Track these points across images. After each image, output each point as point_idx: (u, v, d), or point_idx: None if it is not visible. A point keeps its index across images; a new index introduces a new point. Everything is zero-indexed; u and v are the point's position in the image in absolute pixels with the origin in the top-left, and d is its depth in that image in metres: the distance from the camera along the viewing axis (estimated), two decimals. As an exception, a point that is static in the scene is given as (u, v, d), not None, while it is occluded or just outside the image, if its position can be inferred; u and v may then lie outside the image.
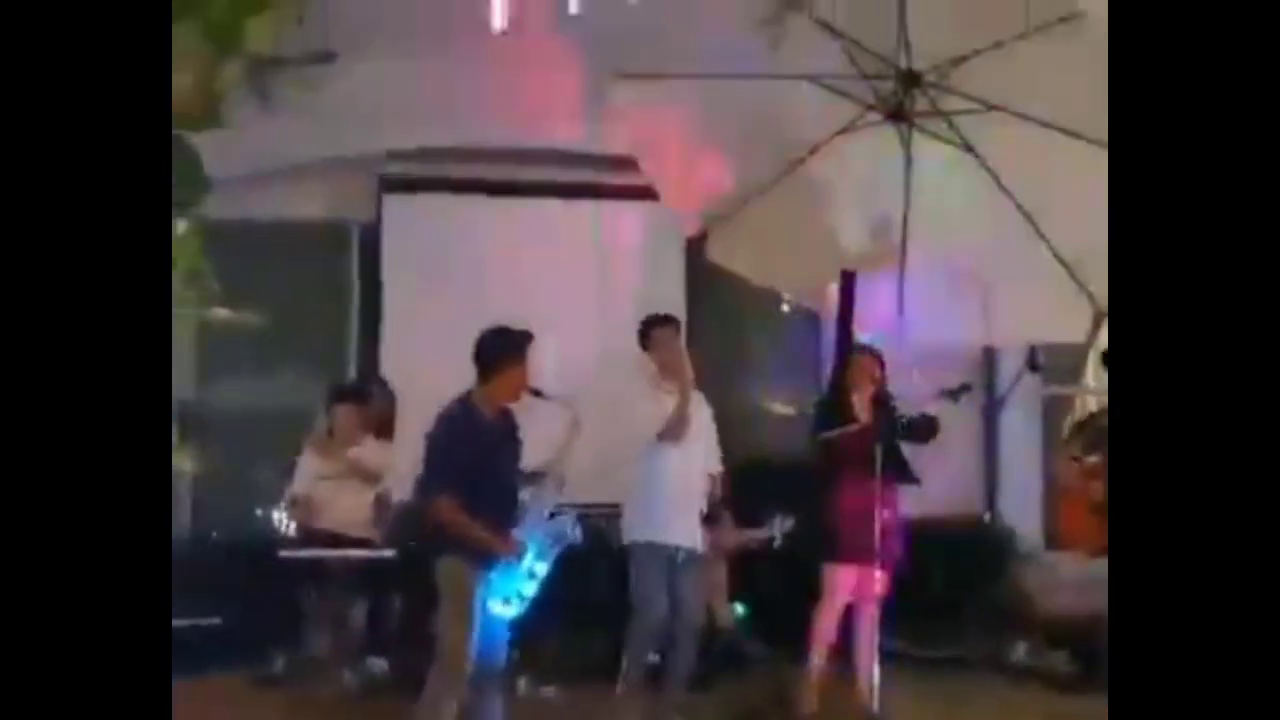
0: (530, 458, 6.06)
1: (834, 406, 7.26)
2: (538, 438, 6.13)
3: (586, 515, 8.31)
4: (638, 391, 6.83)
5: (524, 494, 5.88)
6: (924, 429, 6.90)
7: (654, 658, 6.99)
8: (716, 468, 7.03)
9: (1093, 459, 6.43)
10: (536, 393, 6.08)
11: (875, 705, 6.68)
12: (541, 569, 5.71)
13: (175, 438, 2.46)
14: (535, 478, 6.01)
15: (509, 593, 5.60)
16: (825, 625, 6.88)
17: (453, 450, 5.61)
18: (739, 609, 8.63)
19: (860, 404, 7.14)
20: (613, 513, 7.06)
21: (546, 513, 5.82)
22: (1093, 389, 10.35)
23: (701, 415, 6.88)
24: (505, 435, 5.76)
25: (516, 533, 5.68)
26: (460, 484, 5.50)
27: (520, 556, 5.62)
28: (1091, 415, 7.24)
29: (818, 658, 6.86)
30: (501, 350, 5.67)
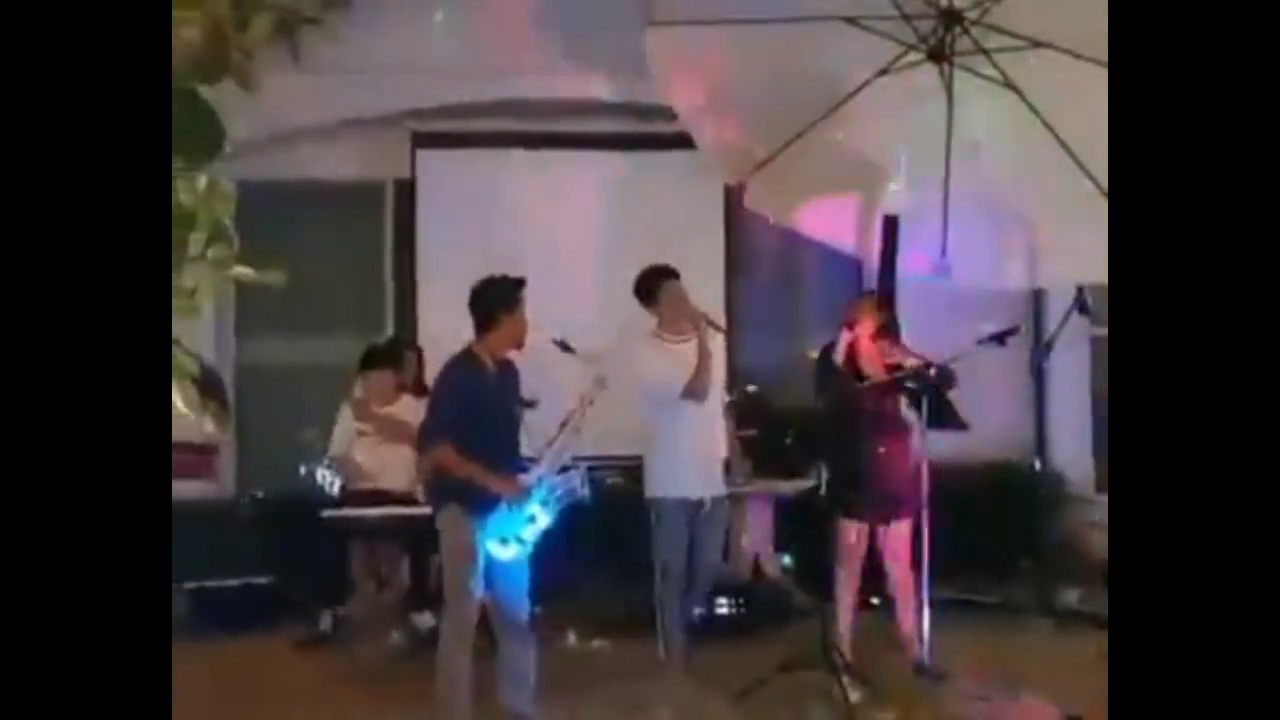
0: (558, 411, 6.02)
1: (831, 357, 6.86)
2: (572, 390, 6.06)
3: (616, 468, 8.36)
4: (643, 346, 6.68)
5: (540, 445, 5.87)
6: (942, 381, 6.71)
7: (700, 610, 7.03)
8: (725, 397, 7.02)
9: None
10: (564, 346, 6.03)
11: (926, 655, 6.62)
12: (544, 516, 5.68)
13: (199, 398, 2.41)
14: (532, 404, 6.06)
15: (507, 534, 5.58)
16: (842, 581, 6.73)
17: (453, 400, 5.67)
18: (785, 559, 8.59)
19: (865, 356, 6.82)
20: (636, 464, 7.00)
21: (559, 465, 5.80)
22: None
23: (717, 360, 6.77)
24: (506, 385, 5.75)
25: (524, 478, 5.67)
26: (461, 432, 5.52)
27: (524, 500, 5.61)
28: None
29: (845, 613, 6.74)
30: (494, 301, 5.67)
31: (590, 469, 6.07)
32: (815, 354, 7.15)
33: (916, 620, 6.66)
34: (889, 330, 6.95)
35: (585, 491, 5.89)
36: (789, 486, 8.16)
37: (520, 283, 5.73)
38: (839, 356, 6.75)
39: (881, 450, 6.66)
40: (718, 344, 6.77)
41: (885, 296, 7.26)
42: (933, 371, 6.61)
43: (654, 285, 6.66)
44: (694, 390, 6.48)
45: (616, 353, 6.44)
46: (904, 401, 6.92)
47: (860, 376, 6.75)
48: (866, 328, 6.81)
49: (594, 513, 6.45)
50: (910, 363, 6.72)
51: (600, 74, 8.98)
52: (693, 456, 6.57)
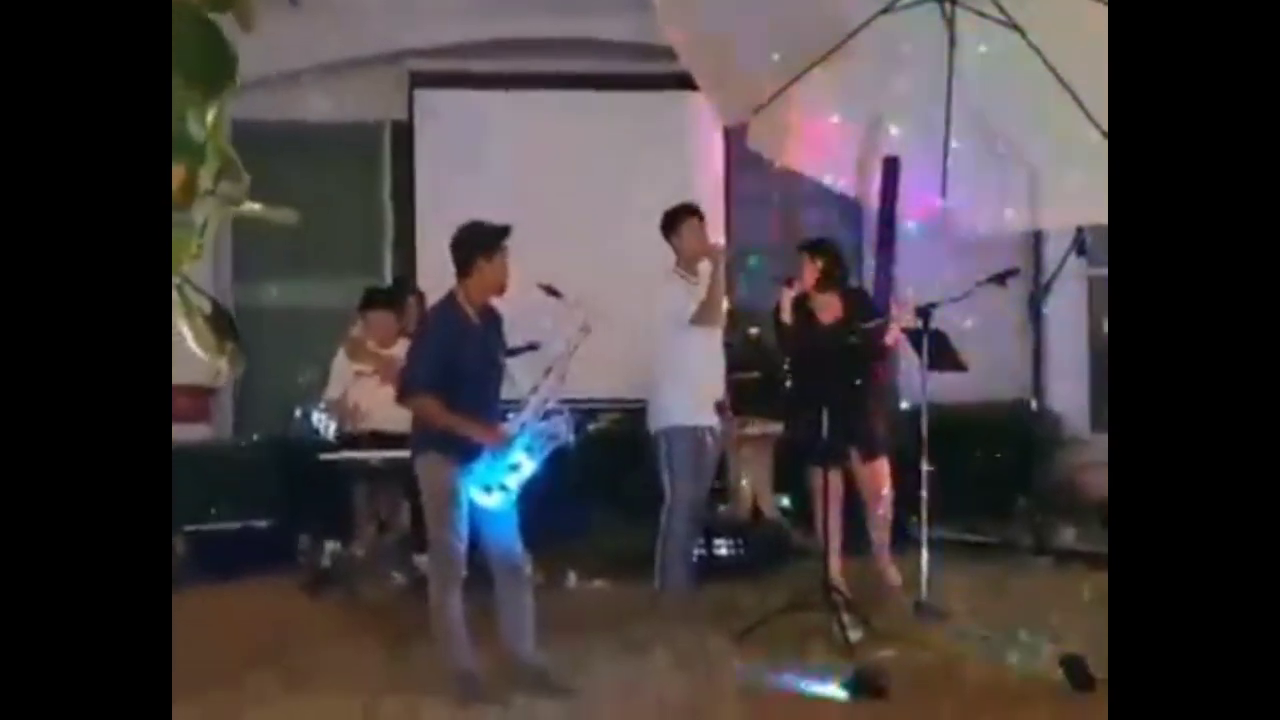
0: (545, 358, 6.04)
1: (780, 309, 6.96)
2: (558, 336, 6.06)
3: (611, 410, 8.39)
4: (663, 280, 6.87)
5: (523, 388, 5.85)
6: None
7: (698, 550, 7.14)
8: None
9: None
10: (551, 291, 6.01)
11: (925, 593, 6.69)
12: (528, 463, 5.66)
13: (213, 338, 2.40)
14: (522, 351, 6.08)
15: (490, 482, 5.57)
16: (821, 524, 6.77)
17: (434, 348, 5.64)
18: (784, 500, 8.63)
19: (819, 305, 6.97)
20: (638, 407, 7.06)
21: (543, 409, 5.77)
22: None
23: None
24: (488, 331, 5.71)
25: (507, 426, 5.66)
26: (442, 381, 5.50)
27: (507, 448, 5.59)
28: None
29: (833, 556, 6.78)
30: (475, 246, 5.60)
31: (584, 411, 6.08)
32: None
33: (889, 556, 6.91)
34: (833, 279, 7.00)
35: (571, 438, 5.88)
36: (779, 429, 8.20)
37: (503, 231, 5.64)
38: (784, 314, 6.86)
39: (848, 396, 6.69)
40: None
41: (825, 244, 7.26)
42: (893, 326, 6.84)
43: (678, 219, 6.94)
44: (704, 316, 6.76)
45: (624, 286, 6.51)
46: (904, 342, 7.00)
47: (816, 326, 6.84)
48: (808, 280, 6.88)
49: (589, 454, 6.46)
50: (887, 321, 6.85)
51: (601, 13, 8.91)
52: (700, 387, 6.83)
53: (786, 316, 6.84)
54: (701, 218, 7.03)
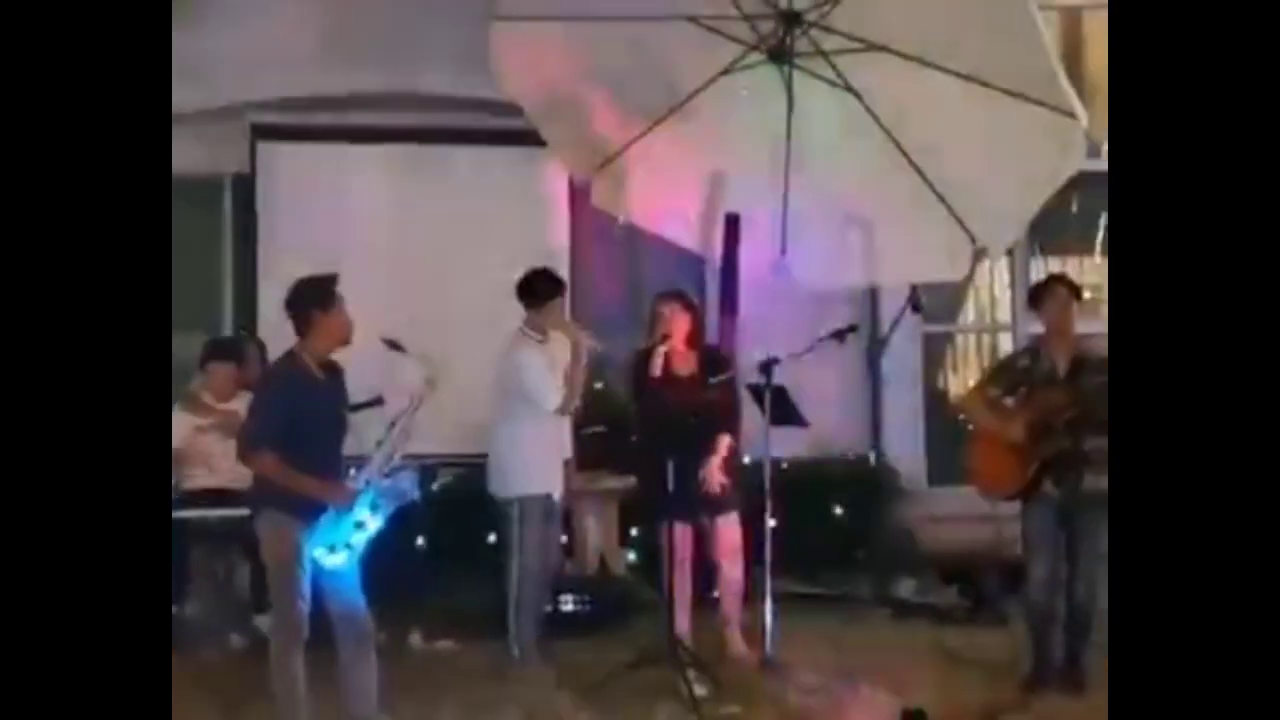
0: (389, 413, 5.95)
1: (646, 358, 6.88)
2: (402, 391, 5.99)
3: (457, 465, 8.31)
4: (515, 341, 6.74)
5: (368, 444, 5.77)
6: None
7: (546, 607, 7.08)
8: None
9: (1010, 400, 6.41)
10: (393, 345, 5.91)
11: (769, 647, 6.75)
12: (373, 521, 5.58)
13: None
14: (367, 406, 6.00)
15: (334, 540, 5.49)
16: (667, 580, 6.77)
17: (274, 405, 5.52)
18: (630, 555, 8.65)
19: (678, 360, 6.89)
20: (482, 462, 7.00)
21: (387, 467, 5.69)
22: (1002, 326, 10.54)
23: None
24: (331, 385, 5.63)
25: (351, 483, 5.58)
26: (283, 436, 5.40)
27: (351, 505, 5.51)
28: (1012, 356, 7.22)
29: (681, 611, 6.79)
30: (308, 301, 5.51)
31: (429, 467, 6.01)
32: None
33: (742, 614, 6.84)
34: (699, 336, 7.05)
35: (416, 494, 5.81)
36: (626, 484, 8.23)
37: (332, 279, 5.57)
38: (655, 369, 6.77)
39: (698, 453, 6.73)
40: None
41: (688, 297, 7.26)
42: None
43: (543, 291, 6.77)
44: (569, 406, 6.69)
45: (465, 348, 6.43)
46: (747, 398, 7.07)
47: (673, 381, 6.82)
48: (680, 334, 6.87)
49: (434, 511, 6.32)
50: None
51: (448, 69, 8.89)
52: (548, 453, 6.75)
53: (657, 371, 6.77)
54: (564, 292, 6.92)
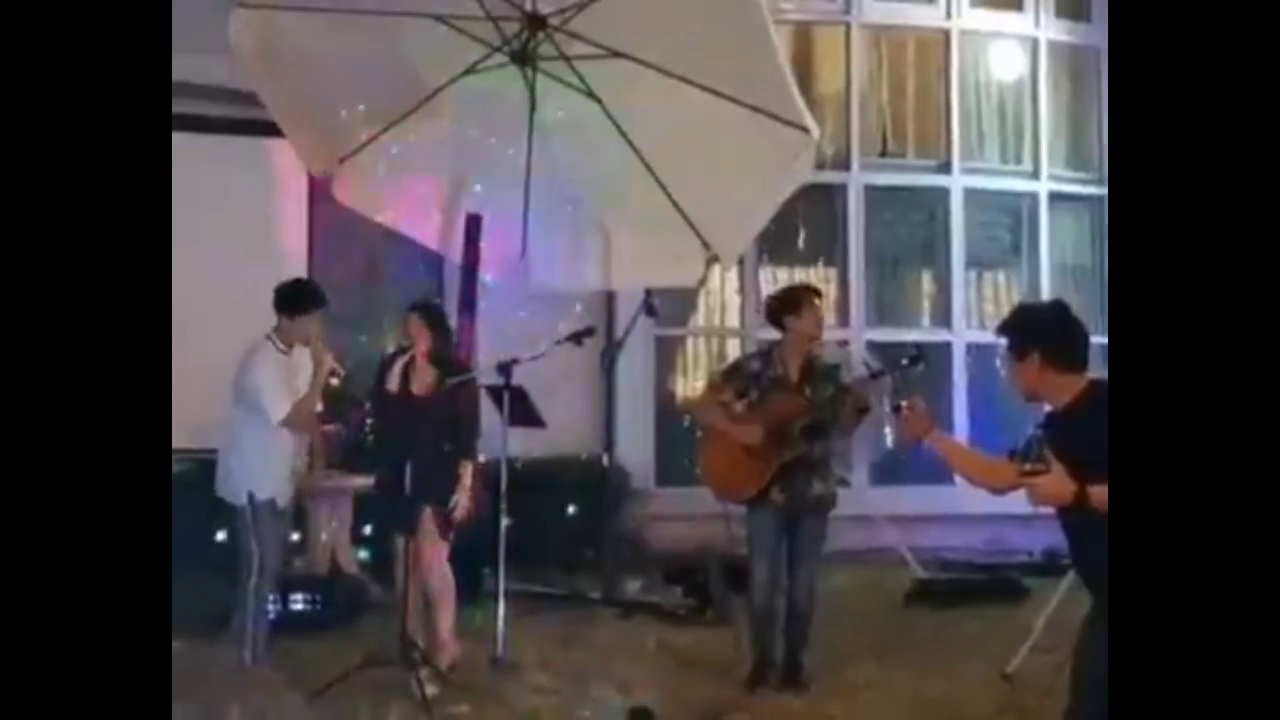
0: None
1: (390, 365, 6.77)
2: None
3: (182, 460, 8.08)
4: (258, 348, 6.50)
5: None
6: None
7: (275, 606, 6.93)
8: None
9: (740, 404, 6.49)
10: None
11: (500, 648, 6.75)
12: None
13: None
14: None
15: None
16: (406, 584, 6.63)
17: None
18: (362, 553, 8.56)
19: (418, 371, 6.67)
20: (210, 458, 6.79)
21: None
22: (731, 330, 10.84)
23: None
24: None
25: None
26: None
27: None
28: (742, 359, 7.32)
29: (410, 612, 6.65)
30: None
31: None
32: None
33: (447, 616, 6.60)
34: (442, 348, 6.78)
35: None
36: (355, 481, 8.15)
37: None
38: (392, 383, 6.65)
39: (435, 454, 6.63)
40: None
41: (434, 309, 7.07)
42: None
43: (302, 306, 6.49)
44: (295, 423, 6.48)
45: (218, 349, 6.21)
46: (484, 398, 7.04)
47: (409, 393, 6.65)
48: (421, 346, 6.75)
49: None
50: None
51: (180, 50, 8.58)
52: (282, 456, 6.57)
53: (394, 386, 6.64)
54: (323, 306, 6.60)
